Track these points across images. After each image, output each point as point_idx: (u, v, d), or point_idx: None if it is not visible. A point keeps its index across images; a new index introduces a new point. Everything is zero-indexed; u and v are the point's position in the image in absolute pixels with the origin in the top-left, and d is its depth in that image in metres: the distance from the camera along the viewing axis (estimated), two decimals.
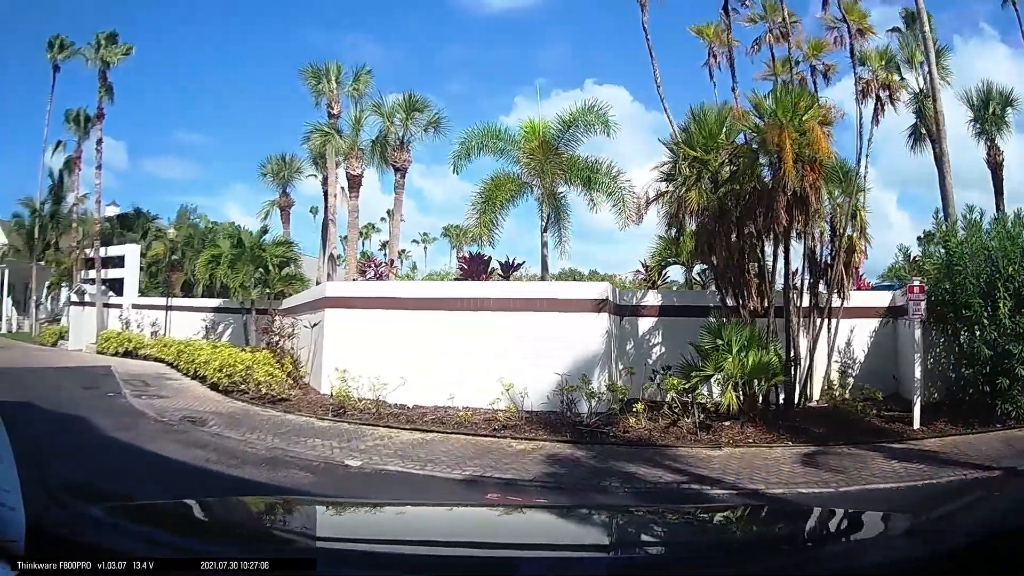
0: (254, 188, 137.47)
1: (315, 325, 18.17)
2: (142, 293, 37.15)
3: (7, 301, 50.36)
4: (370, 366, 15.11)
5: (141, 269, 38.94)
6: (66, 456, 10.36)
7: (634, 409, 13.04)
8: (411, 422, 13.97)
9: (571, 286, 17.63)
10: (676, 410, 13.04)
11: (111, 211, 39.26)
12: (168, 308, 31.78)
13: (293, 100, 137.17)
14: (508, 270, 21.97)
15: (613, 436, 12.69)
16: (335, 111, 28.39)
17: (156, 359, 26.88)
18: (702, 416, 12.76)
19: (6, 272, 49.66)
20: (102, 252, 36.96)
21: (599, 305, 14.86)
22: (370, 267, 24.00)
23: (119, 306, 35.25)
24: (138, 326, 32.82)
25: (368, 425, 13.84)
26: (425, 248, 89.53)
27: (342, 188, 29.31)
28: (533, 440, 12.58)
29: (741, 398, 12.88)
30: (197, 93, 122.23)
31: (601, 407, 13.63)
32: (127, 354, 29.42)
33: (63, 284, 42.22)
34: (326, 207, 31.08)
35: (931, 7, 21.96)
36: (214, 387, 18.61)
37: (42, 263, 45.48)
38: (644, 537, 3.08)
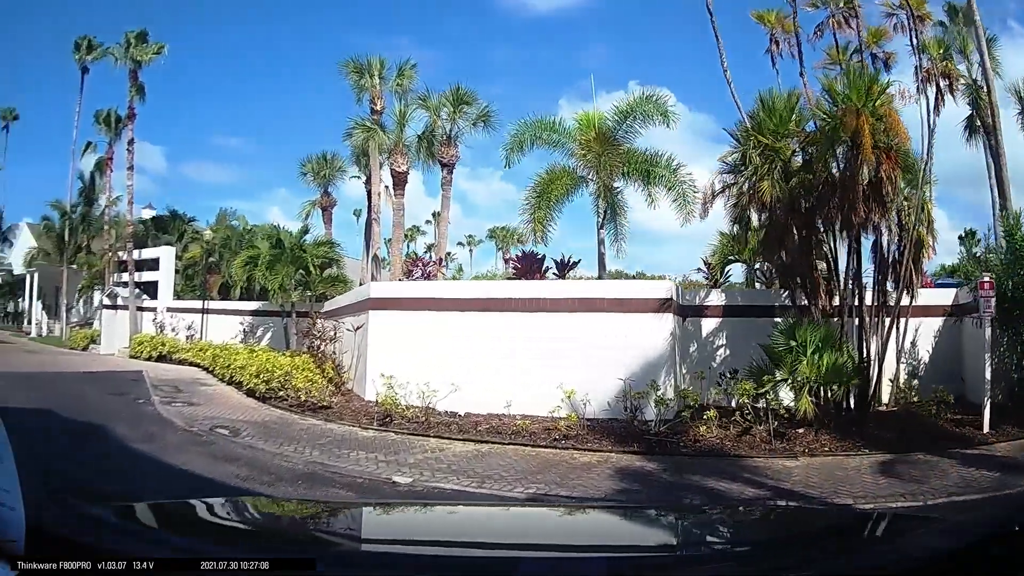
0: (296, 192, 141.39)
1: (359, 328, 17.98)
2: (177, 296, 37.63)
3: (37, 305, 51.38)
4: (418, 371, 14.86)
5: (177, 272, 39.45)
6: (75, 470, 9.86)
7: (705, 417, 12.83)
8: (464, 432, 13.57)
9: (633, 285, 17.30)
10: (748, 417, 12.72)
11: (146, 214, 39.97)
12: (204, 311, 32.13)
13: (336, 104, 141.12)
14: (563, 269, 21.73)
15: (683, 446, 12.34)
16: (378, 107, 28.07)
17: (191, 364, 27.13)
18: (776, 423, 12.51)
19: (35, 276, 50.73)
20: (136, 255, 37.57)
21: (663, 305, 14.65)
22: (417, 267, 23.64)
23: (153, 309, 35.73)
24: (173, 330, 33.20)
25: (417, 435, 13.46)
26: (471, 251, 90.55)
27: (386, 187, 29.33)
28: (598, 451, 12.15)
29: (816, 403, 12.65)
30: (237, 97, 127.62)
31: (667, 414, 13.41)
32: (161, 358, 29.85)
33: (95, 287, 43.05)
34: (369, 206, 30.88)
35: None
36: (250, 393, 18.38)
37: (74, 266, 46.32)
38: (645, 537, 3.17)
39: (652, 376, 13.97)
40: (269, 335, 29.59)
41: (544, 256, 21.87)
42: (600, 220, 20.08)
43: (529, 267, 21.13)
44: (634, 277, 37.44)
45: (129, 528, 2.35)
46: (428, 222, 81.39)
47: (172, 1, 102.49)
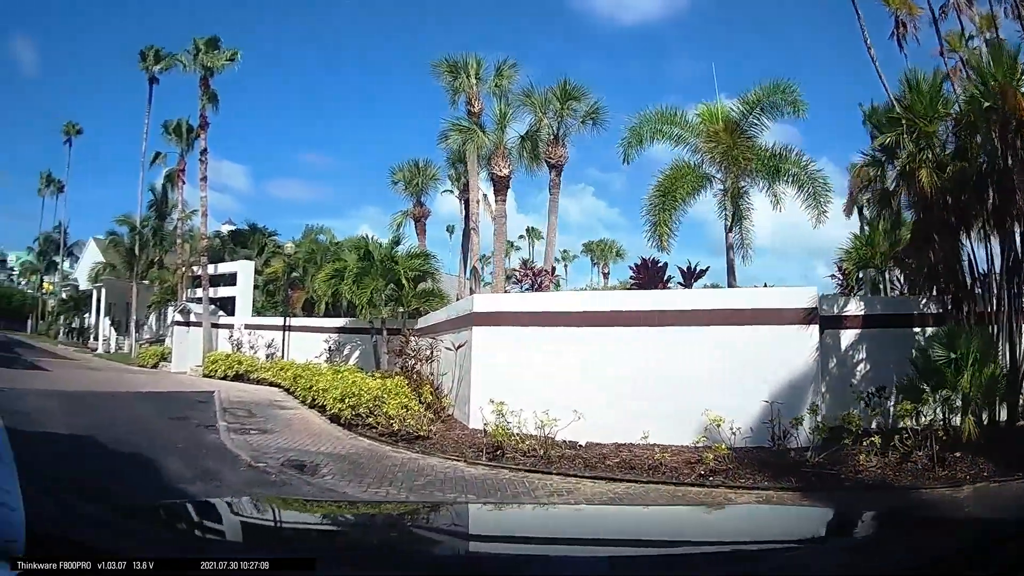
0: (386, 207, 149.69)
1: (460, 347, 17.72)
2: (258, 312, 38.77)
3: (104, 321, 53.20)
4: (530, 395, 14.33)
5: (256, 287, 40.58)
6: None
7: (868, 443, 12.11)
8: (591, 467, 12.54)
9: (774, 293, 16.49)
10: (907, 441, 12.09)
11: (226, 229, 40.92)
12: (286, 328, 33.02)
13: (428, 117, 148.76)
14: (689, 278, 21.19)
15: (844, 478, 11.59)
16: (476, 108, 28.46)
17: (271, 384, 27.99)
18: (936, 447, 11.88)
19: (103, 291, 52.55)
20: (211, 269, 38.84)
21: (808, 316, 14.30)
22: (527, 276, 23.22)
23: (230, 326, 36.96)
24: (251, 347, 34.36)
25: (536, 473, 12.41)
26: (565, 266, 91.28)
27: (484, 195, 29.44)
28: (752, 489, 11.25)
29: (976, 422, 12.32)
30: (324, 115, 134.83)
31: (816, 440, 12.90)
32: (237, 377, 30.82)
33: (168, 303, 44.64)
34: (467, 215, 31.17)
35: None
36: (335, 419, 17.92)
37: (145, 282, 47.86)
38: (646, 535, 3.29)
39: (797, 396, 13.62)
40: (357, 354, 30.07)
41: (666, 264, 21.44)
42: (728, 223, 20.03)
43: (651, 276, 20.63)
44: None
45: (129, 528, 2.47)
46: (521, 237, 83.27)
47: (261, 21, 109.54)
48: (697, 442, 12.96)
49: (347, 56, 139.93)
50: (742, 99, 20.21)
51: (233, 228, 45.30)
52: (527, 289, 21.92)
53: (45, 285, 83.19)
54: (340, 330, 31.59)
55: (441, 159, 33.70)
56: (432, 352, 20.92)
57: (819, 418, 13.15)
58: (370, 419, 16.55)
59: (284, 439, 15.84)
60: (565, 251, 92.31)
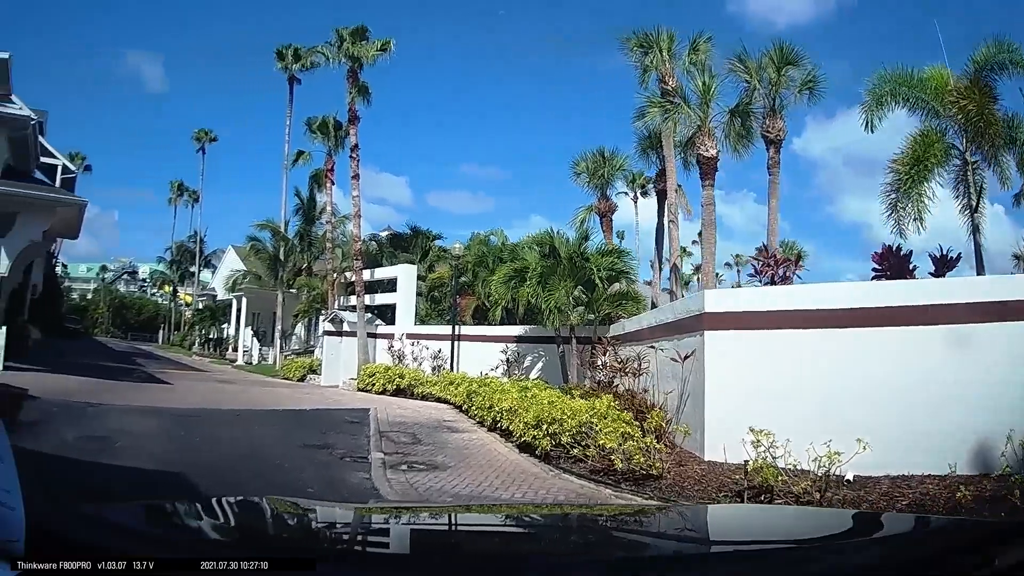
0: (554, 216, 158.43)
1: (687, 357, 15.27)
2: (421, 321, 38.36)
3: (245, 331, 53.88)
4: (784, 418, 11.75)
5: (420, 294, 40.17)
6: None
7: None
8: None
9: None
10: None
11: (384, 234, 40.74)
12: (456, 338, 32.07)
13: (599, 127, 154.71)
14: (943, 266, 19.07)
15: None
16: (670, 86, 27.67)
17: (438, 399, 26.98)
18: None
19: (243, 300, 53.30)
20: (367, 275, 38.69)
21: None
22: (768, 266, 20.72)
23: (389, 336, 36.61)
24: (415, 359, 33.89)
25: None
26: (738, 271, 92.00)
27: (679, 186, 28.39)
28: None
29: None
30: (491, 124, 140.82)
31: None
32: (398, 392, 30.09)
33: (318, 312, 44.81)
34: (661, 208, 30.42)
35: None
36: (525, 449, 15.53)
37: (292, 290, 48.02)
38: (646, 536, 3.47)
39: None
40: (540, 366, 28.89)
41: (911, 252, 19.54)
42: (975, 200, 19.19)
43: (896, 266, 18.41)
44: None
45: (129, 528, 2.55)
46: (695, 243, 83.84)
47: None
48: (1004, 471, 10.50)
49: (506, 63, 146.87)
50: (972, 59, 19.67)
51: (392, 233, 44.86)
52: (767, 283, 19.78)
53: (181, 295, 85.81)
54: (519, 339, 30.34)
55: (628, 147, 32.82)
56: (640, 365, 18.92)
57: None
58: (575, 450, 14.12)
59: (462, 479, 13.05)
60: (738, 255, 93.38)
